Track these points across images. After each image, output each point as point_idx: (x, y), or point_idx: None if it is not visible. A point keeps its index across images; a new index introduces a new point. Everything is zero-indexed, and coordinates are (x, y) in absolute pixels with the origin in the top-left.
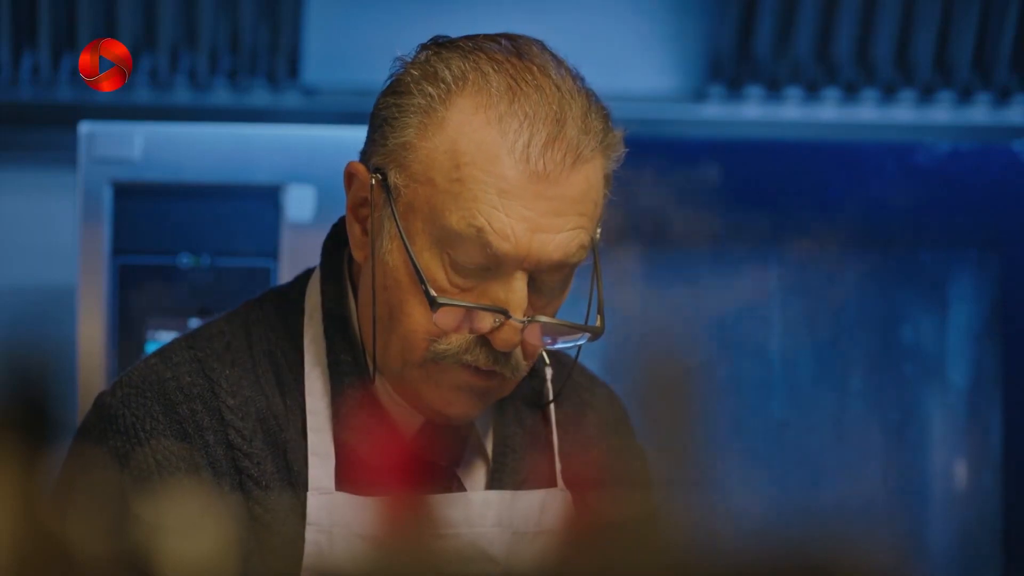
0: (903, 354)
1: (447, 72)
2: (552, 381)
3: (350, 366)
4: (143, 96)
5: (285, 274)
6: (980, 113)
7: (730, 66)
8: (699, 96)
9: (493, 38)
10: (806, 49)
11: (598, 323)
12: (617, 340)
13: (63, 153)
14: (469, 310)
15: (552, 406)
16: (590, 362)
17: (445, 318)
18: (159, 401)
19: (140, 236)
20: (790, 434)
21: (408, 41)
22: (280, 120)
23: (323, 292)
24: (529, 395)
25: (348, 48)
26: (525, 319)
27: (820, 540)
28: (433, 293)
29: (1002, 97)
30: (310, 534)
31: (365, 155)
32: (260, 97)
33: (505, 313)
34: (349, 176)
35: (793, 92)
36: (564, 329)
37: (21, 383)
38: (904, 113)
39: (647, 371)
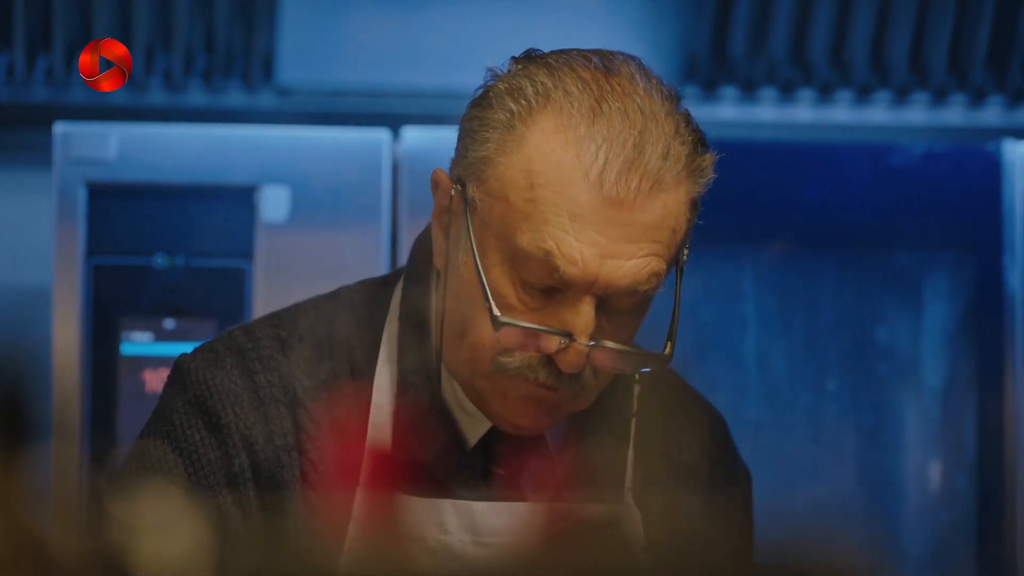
0: (878, 355)
1: (530, 88)
2: (638, 396)
3: (418, 367)
4: (118, 97)
5: (260, 275)
6: (955, 114)
7: (705, 67)
8: None
9: (584, 54)
10: (781, 50)
11: (666, 351)
12: None
13: (38, 154)
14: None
15: (633, 420)
16: None
17: (508, 336)
18: (238, 366)
19: (115, 236)
20: (765, 435)
21: (383, 43)
22: (255, 121)
23: (405, 291)
24: (610, 408)
25: (323, 49)
26: (590, 343)
27: (795, 541)
28: (496, 312)
29: (977, 98)
30: (352, 530)
31: (452, 164)
32: (235, 98)
33: (570, 336)
34: (434, 183)
35: (768, 93)
36: (631, 355)
37: None
38: (879, 114)
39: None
